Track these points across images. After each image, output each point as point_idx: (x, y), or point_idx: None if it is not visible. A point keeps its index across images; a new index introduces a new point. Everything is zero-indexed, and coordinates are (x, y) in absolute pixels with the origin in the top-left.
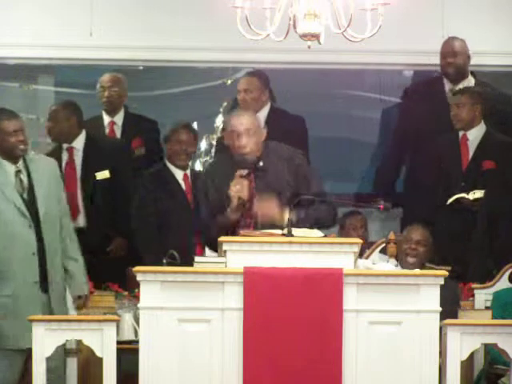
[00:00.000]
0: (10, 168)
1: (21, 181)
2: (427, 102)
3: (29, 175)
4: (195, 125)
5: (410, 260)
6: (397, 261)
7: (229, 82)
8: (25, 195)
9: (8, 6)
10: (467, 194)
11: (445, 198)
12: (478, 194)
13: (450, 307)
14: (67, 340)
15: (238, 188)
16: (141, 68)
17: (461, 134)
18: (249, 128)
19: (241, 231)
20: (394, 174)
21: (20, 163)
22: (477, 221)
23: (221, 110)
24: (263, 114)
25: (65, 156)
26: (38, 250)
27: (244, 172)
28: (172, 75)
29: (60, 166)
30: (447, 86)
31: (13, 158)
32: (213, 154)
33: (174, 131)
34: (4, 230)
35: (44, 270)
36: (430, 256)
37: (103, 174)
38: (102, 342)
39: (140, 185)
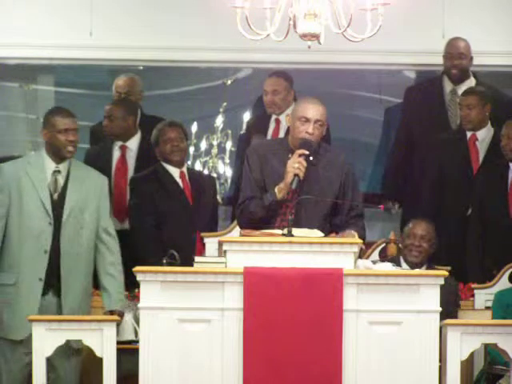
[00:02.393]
0: (50, 165)
1: (56, 181)
2: (427, 103)
3: (67, 179)
4: (195, 125)
5: (414, 254)
6: (390, 259)
7: (229, 82)
8: (55, 196)
9: (8, 6)
10: None
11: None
12: None
13: (450, 306)
14: (67, 340)
15: (298, 166)
16: (141, 68)
17: (469, 134)
18: (319, 119)
19: (241, 231)
20: (401, 175)
21: (63, 165)
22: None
23: (221, 110)
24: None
25: (117, 153)
26: (53, 250)
27: (306, 152)
28: (172, 75)
29: (110, 163)
30: (448, 86)
31: (58, 157)
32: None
33: (160, 131)
34: (23, 221)
35: (57, 271)
36: (433, 251)
37: None
38: (102, 342)
39: (135, 188)
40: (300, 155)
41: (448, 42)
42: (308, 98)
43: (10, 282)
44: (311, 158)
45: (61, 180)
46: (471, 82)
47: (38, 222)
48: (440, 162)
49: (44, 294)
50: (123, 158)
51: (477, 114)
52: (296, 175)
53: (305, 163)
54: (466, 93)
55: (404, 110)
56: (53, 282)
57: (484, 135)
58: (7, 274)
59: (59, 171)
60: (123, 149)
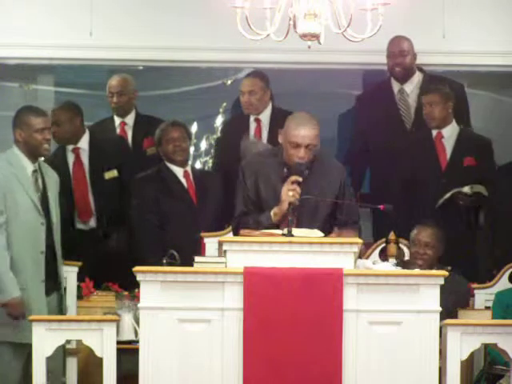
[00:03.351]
0: (29, 166)
1: (36, 181)
2: (379, 107)
3: (42, 178)
4: (195, 125)
5: (419, 263)
6: (396, 260)
7: (229, 82)
8: (39, 196)
9: (8, 6)
10: (463, 189)
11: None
12: (476, 188)
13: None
14: (67, 340)
15: (293, 194)
16: (141, 68)
17: (434, 132)
18: (310, 143)
19: (241, 231)
20: (361, 176)
21: (36, 164)
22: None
23: (221, 110)
24: (266, 114)
25: (71, 157)
26: (48, 249)
27: (299, 179)
28: (172, 75)
29: (67, 167)
30: (396, 87)
31: (35, 155)
32: (213, 153)
33: (164, 131)
34: (21, 224)
35: (55, 270)
36: (439, 256)
37: (111, 174)
38: (102, 342)
39: (138, 188)
40: (293, 182)
41: (390, 41)
42: (299, 119)
43: (21, 287)
44: (307, 172)
45: (40, 180)
46: (418, 78)
47: (33, 223)
48: (411, 162)
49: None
50: (79, 159)
51: (440, 111)
52: (291, 203)
53: (299, 189)
54: (428, 90)
55: (357, 117)
56: (50, 282)
57: (450, 132)
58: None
59: (36, 171)
60: (76, 151)
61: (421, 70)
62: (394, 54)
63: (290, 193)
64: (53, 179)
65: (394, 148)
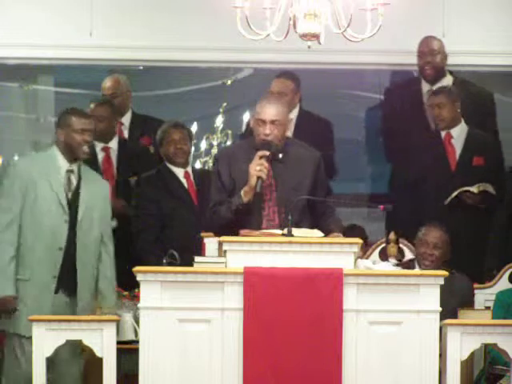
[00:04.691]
0: (64, 164)
1: (69, 180)
2: (405, 102)
3: (79, 179)
4: (195, 125)
5: (426, 263)
6: (398, 261)
7: (229, 82)
8: (69, 194)
9: (8, 6)
10: (470, 187)
11: (437, 196)
12: (483, 186)
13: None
14: (67, 340)
15: (260, 168)
16: (141, 68)
17: (443, 133)
18: (274, 119)
19: (241, 231)
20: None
21: (75, 165)
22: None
23: (221, 110)
24: (293, 115)
25: (100, 155)
26: (68, 248)
27: (266, 153)
28: (172, 75)
29: (97, 165)
30: (425, 87)
31: (72, 157)
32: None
33: (165, 132)
34: (39, 217)
35: (72, 269)
36: (446, 256)
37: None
38: (102, 342)
39: (138, 188)
40: (261, 157)
41: (420, 41)
42: (266, 98)
43: (25, 277)
44: (280, 156)
45: (74, 180)
46: (448, 81)
47: (54, 219)
48: (421, 163)
49: (55, 292)
50: (109, 158)
51: (448, 112)
52: (259, 178)
53: (267, 164)
54: (435, 92)
55: (384, 110)
56: (66, 280)
57: (459, 132)
58: (23, 270)
59: (72, 171)
60: (107, 150)
61: (451, 73)
62: (424, 54)
63: (257, 167)
64: (95, 184)
65: (410, 147)
